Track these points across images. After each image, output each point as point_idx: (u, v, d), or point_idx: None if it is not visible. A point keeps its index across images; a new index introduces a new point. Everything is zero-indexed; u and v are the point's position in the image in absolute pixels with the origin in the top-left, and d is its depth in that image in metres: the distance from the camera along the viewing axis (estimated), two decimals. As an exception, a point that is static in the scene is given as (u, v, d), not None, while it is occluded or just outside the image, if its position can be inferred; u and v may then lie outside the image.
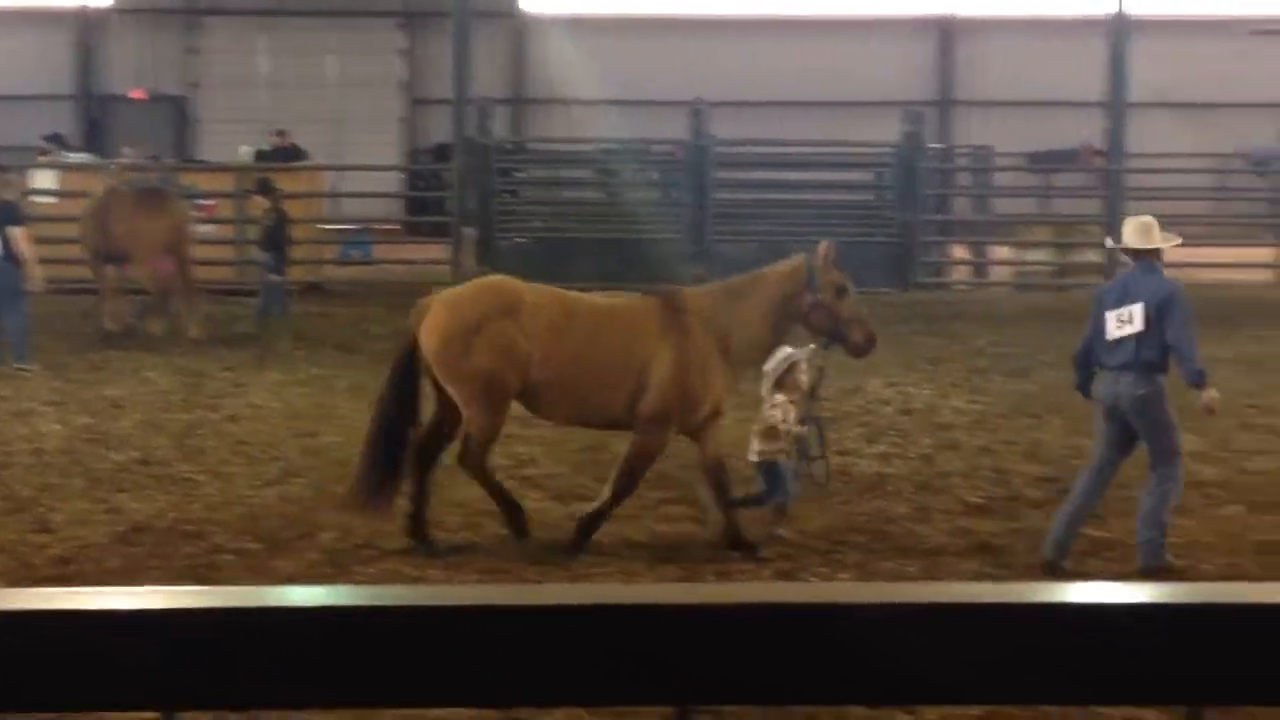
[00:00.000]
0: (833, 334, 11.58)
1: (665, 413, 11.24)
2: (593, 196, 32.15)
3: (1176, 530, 11.98)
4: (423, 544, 11.34)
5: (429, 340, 11.22)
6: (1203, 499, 13.00)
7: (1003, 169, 37.43)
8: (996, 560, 11.23)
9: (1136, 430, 10.85)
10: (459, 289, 11.67)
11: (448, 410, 11.45)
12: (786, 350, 11.73)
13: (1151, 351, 10.77)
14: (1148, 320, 10.72)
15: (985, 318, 25.34)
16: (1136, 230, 11.12)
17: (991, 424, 16.40)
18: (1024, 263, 31.39)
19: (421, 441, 11.46)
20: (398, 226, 35.03)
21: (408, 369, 11.34)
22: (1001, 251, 31.71)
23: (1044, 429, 16.05)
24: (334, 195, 32.99)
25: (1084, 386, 11.23)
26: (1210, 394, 10.96)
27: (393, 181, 37.63)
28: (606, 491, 11.44)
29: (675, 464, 14.34)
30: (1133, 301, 10.82)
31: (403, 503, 11.51)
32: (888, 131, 30.81)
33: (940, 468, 14.29)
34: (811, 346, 11.87)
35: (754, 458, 11.72)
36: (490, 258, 28.32)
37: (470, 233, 28.83)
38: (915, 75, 43.22)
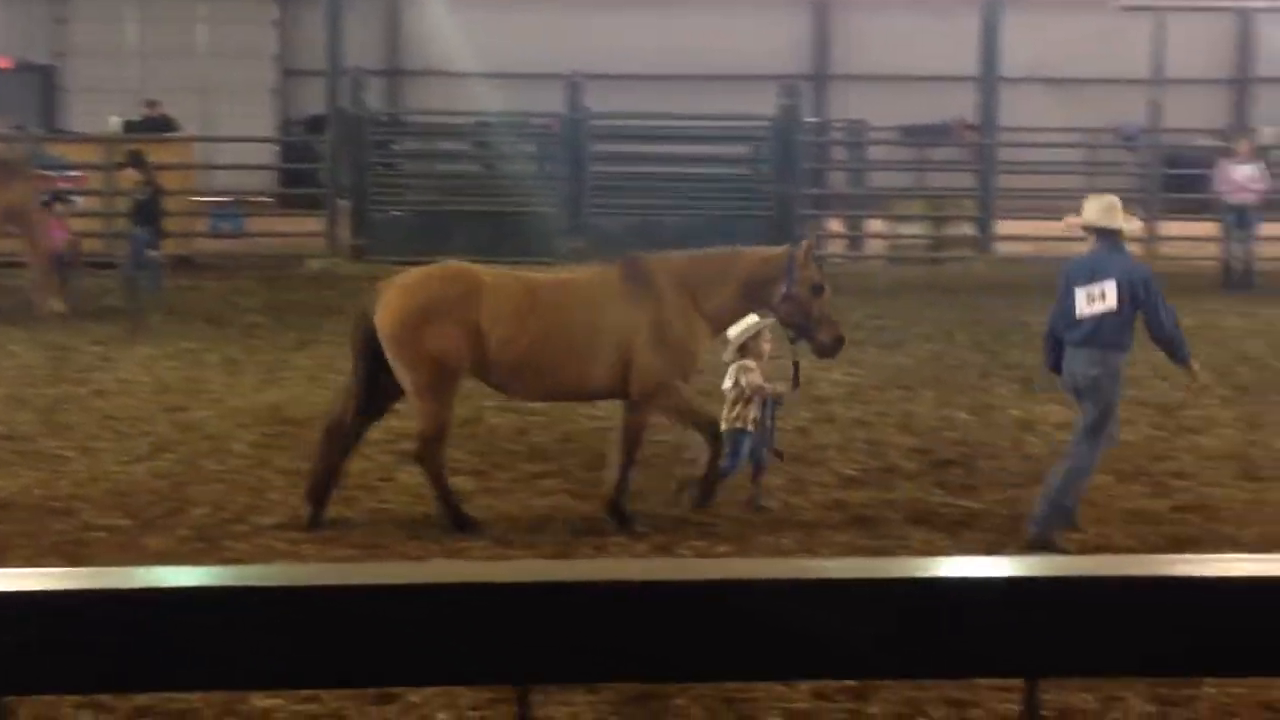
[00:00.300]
0: (800, 329, 11.56)
1: (657, 378, 11.23)
2: (469, 169, 31.95)
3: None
4: (316, 513, 11.30)
5: (384, 325, 11.07)
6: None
7: (877, 143, 37.64)
8: (871, 532, 11.31)
9: (1087, 401, 10.90)
10: (415, 273, 11.46)
11: (366, 395, 11.31)
12: (753, 318, 11.79)
13: (1114, 331, 10.83)
14: (1120, 298, 10.77)
15: (860, 290, 25.47)
16: (1101, 209, 11.18)
17: (866, 396, 16.50)
18: (898, 236, 31.63)
19: (335, 426, 11.36)
20: (270, 199, 34.63)
21: (371, 355, 11.18)
22: (876, 225, 31.91)
23: (917, 401, 16.19)
24: (205, 167, 32.56)
25: (1056, 364, 11.27)
26: (1195, 369, 11.11)
27: (265, 153, 37.19)
28: (612, 466, 11.42)
29: (550, 437, 14.30)
30: (1104, 279, 10.85)
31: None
32: (764, 105, 30.87)
33: (816, 440, 14.36)
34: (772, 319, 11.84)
35: (724, 425, 11.79)
36: (365, 231, 28.08)
37: (345, 205, 28.56)
38: (791, 50, 43.39)
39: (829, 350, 11.67)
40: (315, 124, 35.44)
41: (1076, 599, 1.27)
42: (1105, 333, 10.81)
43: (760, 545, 10.96)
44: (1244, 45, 44.74)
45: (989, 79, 31.28)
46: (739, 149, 32.35)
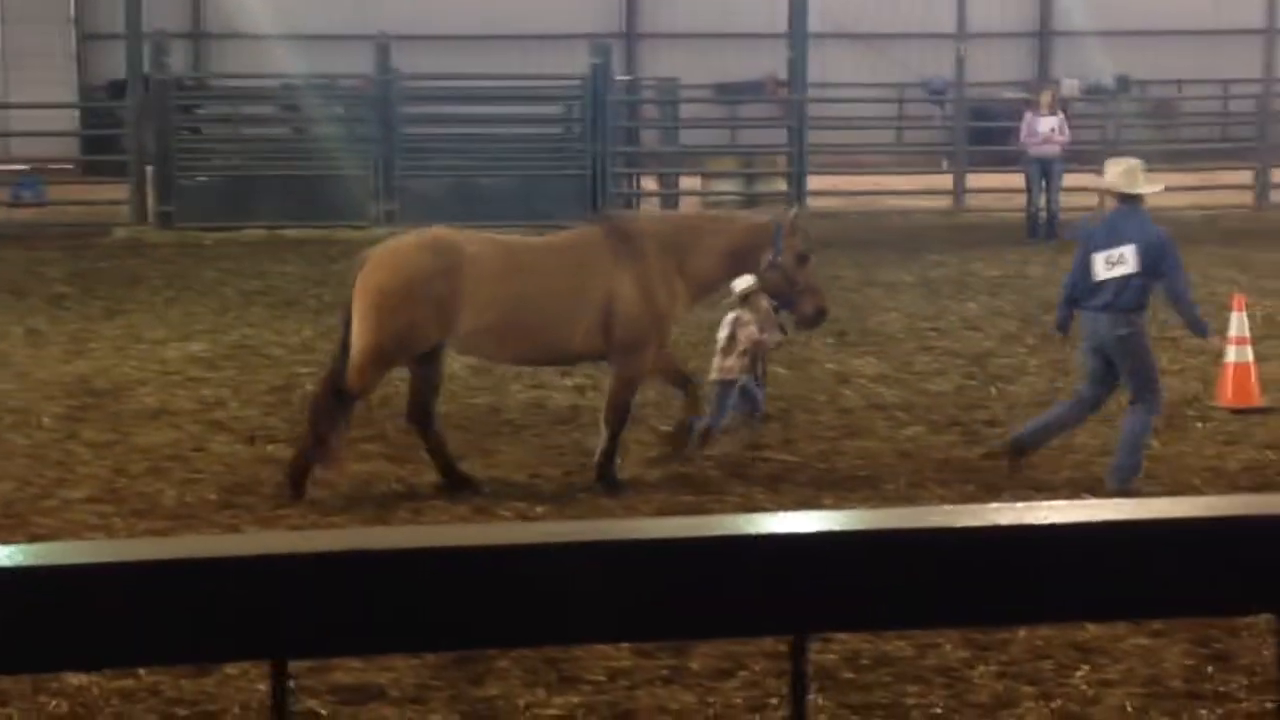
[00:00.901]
0: (784, 299, 11.61)
1: (642, 339, 11.22)
2: (277, 133, 31.48)
3: (860, 451, 12.25)
4: (463, 486, 11.16)
5: (366, 290, 10.95)
6: (885, 420, 13.31)
7: (689, 101, 37.75)
8: (693, 487, 11.32)
9: (1115, 369, 11.02)
10: (397, 242, 11.42)
11: (424, 365, 11.22)
12: (750, 278, 11.70)
13: (1134, 294, 10.91)
14: (1140, 261, 10.84)
15: (675, 248, 25.56)
16: (1123, 173, 11.24)
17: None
18: (712, 193, 31.75)
19: (412, 410, 11.34)
20: (72, 166, 33.81)
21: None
22: (690, 182, 32.01)
23: (734, 357, 16.24)
24: (3, 135, 31.69)
25: (1065, 325, 11.42)
26: (1216, 340, 11.49)
27: (65, 120, 36.28)
28: (604, 431, 11.30)
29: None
30: (1124, 243, 10.88)
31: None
32: (575, 64, 30.79)
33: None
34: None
35: (714, 375, 11.95)
36: (172, 197, 27.51)
37: (150, 172, 27.97)
38: (601, 8, 43.30)
39: (812, 321, 11.81)
40: (117, 89, 34.65)
41: (881, 551, 1.25)
42: (1128, 295, 10.90)
43: (578, 503, 10.92)
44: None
45: (799, 35, 31.46)
46: (551, 109, 32.24)
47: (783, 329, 12.26)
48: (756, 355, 12.28)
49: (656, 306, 11.22)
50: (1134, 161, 11.36)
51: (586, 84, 29.63)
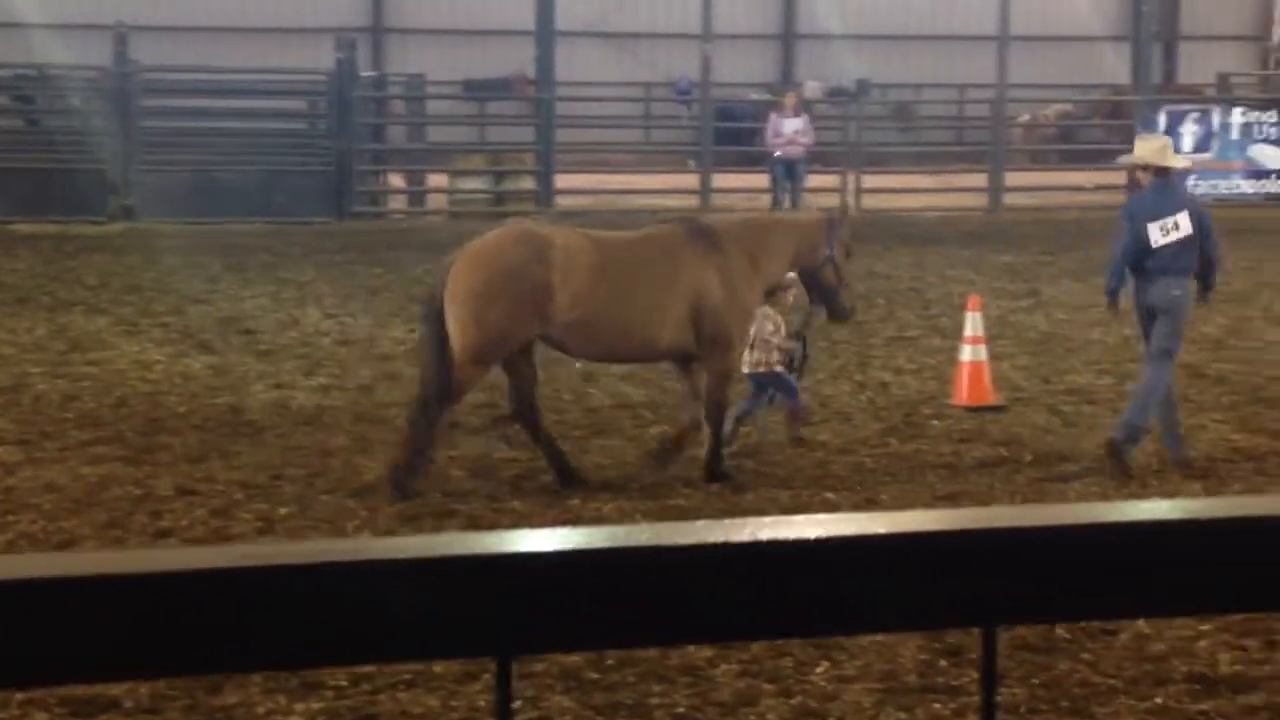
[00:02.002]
0: (827, 292, 11.88)
1: (730, 334, 11.42)
2: (9, 125, 30.54)
3: (606, 450, 12.28)
4: (572, 480, 11.16)
5: (458, 290, 10.91)
6: (631, 419, 13.36)
7: (436, 97, 37.55)
8: (435, 488, 11.22)
9: (1164, 326, 11.75)
10: (486, 238, 11.35)
11: (520, 362, 11.22)
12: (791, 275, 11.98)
13: (1188, 258, 11.82)
14: (1193, 226, 11.75)
15: (422, 246, 25.35)
16: (1157, 150, 12.29)
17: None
18: (460, 191, 31.61)
19: (519, 409, 11.37)
20: None
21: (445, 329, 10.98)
22: (438, 180, 31.83)
23: (481, 356, 16.16)
24: None
25: (1116, 292, 12.14)
26: (1211, 296, 12.42)
27: None
28: (706, 428, 11.37)
29: (103, 402, 13.77)
30: (1176, 211, 11.80)
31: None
32: (320, 59, 30.43)
33: (379, 398, 14.20)
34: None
35: (746, 369, 12.05)
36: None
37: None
38: (348, 2, 42.84)
39: (847, 315, 12.28)
40: None
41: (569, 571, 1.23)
42: (1184, 258, 11.81)
43: (320, 506, 10.75)
44: (789, 2, 46.25)
45: (546, 33, 31.50)
46: (295, 103, 31.82)
47: (802, 339, 12.44)
48: (791, 350, 12.44)
49: (742, 303, 11.48)
50: (1164, 139, 12.72)
51: (331, 79, 29.30)
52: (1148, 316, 11.93)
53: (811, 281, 11.93)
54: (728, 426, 11.84)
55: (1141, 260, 11.86)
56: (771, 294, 12.09)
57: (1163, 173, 12.13)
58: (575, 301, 10.99)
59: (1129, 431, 11.71)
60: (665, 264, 11.33)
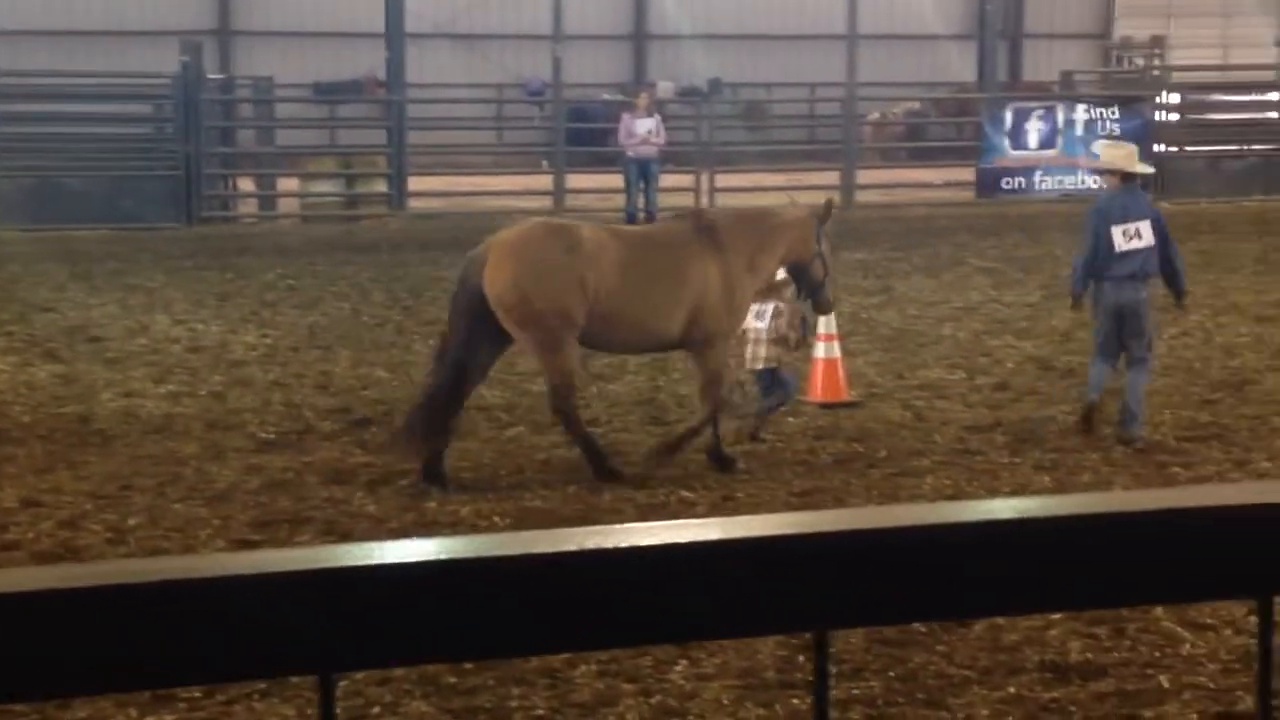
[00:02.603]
0: (815, 285, 12.22)
1: (725, 328, 11.73)
2: None
3: (463, 452, 12.21)
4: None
5: (496, 286, 11.06)
6: (488, 421, 13.30)
7: (286, 100, 37.17)
8: (289, 494, 11.11)
9: (1130, 327, 12.36)
10: (515, 232, 11.55)
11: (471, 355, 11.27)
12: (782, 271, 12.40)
13: (1152, 263, 12.40)
14: (1155, 234, 12.34)
15: (273, 250, 25.12)
16: (1124, 156, 12.95)
17: (283, 358, 16.25)
18: (311, 194, 31.31)
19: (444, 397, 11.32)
20: None
21: (480, 319, 11.10)
22: (289, 184, 31.53)
23: (334, 360, 16.04)
24: None
25: (1081, 295, 12.68)
26: (1186, 303, 13.19)
27: None
28: (703, 415, 11.64)
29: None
30: (1138, 219, 12.38)
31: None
32: (166, 62, 30.00)
33: (231, 405, 14.02)
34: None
35: (759, 365, 12.54)
36: None
37: None
38: (193, 5, 42.28)
39: (830, 307, 12.79)
40: None
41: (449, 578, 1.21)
42: (1148, 264, 12.38)
43: (171, 514, 10.59)
44: (640, 2, 46.34)
45: (396, 35, 31.31)
46: (141, 107, 31.35)
47: (808, 328, 13.03)
48: (787, 344, 12.81)
49: (741, 297, 11.78)
50: (1131, 146, 13.29)
51: (177, 82, 28.90)
52: (1113, 318, 12.40)
53: (800, 275, 12.31)
54: (753, 423, 12.54)
55: (1107, 263, 12.34)
56: (774, 289, 12.57)
57: (1128, 179, 12.71)
58: (604, 294, 11.29)
59: (1136, 424, 12.41)
60: (677, 258, 11.61)
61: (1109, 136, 30.97)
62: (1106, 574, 1.47)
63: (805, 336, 13.04)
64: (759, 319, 12.65)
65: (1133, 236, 12.34)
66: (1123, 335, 12.47)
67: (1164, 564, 1.45)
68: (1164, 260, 12.52)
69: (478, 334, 11.18)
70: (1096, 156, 31.23)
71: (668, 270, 11.53)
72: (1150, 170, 13.33)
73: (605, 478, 11.25)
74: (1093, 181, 31.52)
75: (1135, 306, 12.37)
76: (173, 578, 1.30)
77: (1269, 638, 1.49)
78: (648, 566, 1.42)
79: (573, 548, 1.41)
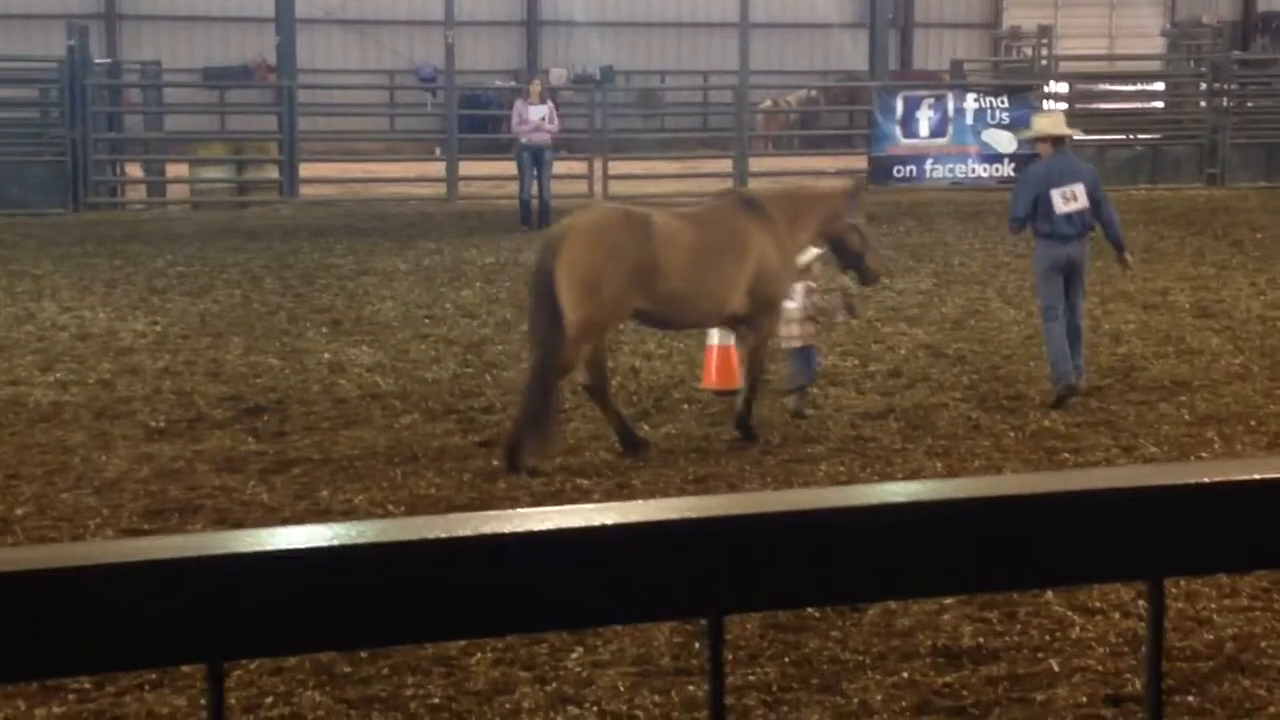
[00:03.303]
0: (854, 258, 12.72)
1: (776, 300, 12.22)
2: None
3: (355, 441, 12.14)
4: (636, 448, 11.67)
5: (572, 269, 11.39)
6: (381, 409, 13.24)
7: (175, 85, 36.77)
8: (179, 483, 11.00)
9: (1074, 280, 13.29)
10: (591, 218, 12.06)
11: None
12: (815, 249, 12.83)
13: (1089, 220, 13.34)
14: (1090, 194, 13.25)
15: (163, 237, 24.84)
16: (1054, 122, 14.08)
17: (173, 345, 16.08)
18: (201, 181, 30.99)
19: (594, 378, 11.84)
20: None
21: (555, 299, 11.42)
22: (178, 170, 31.18)
23: (225, 348, 15.89)
24: None
25: (1019, 231, 13.92)
26: (1129, 255, 14.10)
27: None
28: (748, 384, 12.09)
29: None
30: (1073, 182, 13.30)
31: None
32: (51, 46, 29.59)
33: (120, 393, 13.86)
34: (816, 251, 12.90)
35: (795, 343, 12.90)
36: None
37: None
38: (80, -13, 41.73)
39: (875, 278, 13.26)
40: None
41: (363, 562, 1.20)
42: (1086, 223, 13.34)
43: (60, 504, 10.45)
44: (533, -10, 46.24)
45: (286, 20, 31.04)
46: (27, 92, 30.91)
47: (851, 310, 13.50)
48: (821, 323, 13.31)
49: (788, 269, 12.29)
50: (1059, 112, 14.60)
51: (63, 67, 28.51)
52: (1060, 274, 13.34)
53: (838, 248, 12.78)
54: (791, 401, 12.94)
55: (1049, 224, 13.28)
56: (805, 268, 12.93)
57: (1059, 143, 13.63)
58: (674, 275, 11.64)
59: (1061, 374, 13.24)
60: (733, 235, 12.04)
61: (998, 125, 31.29)
62: (1001, 557, 1.48)
63: (854, 310, 13.65)
64: (792, 298, 12.94)
65: (1070, 199, 13.21)
66: (1068, 291, 13.29)
67: (1057, 547, 1.47)
68: (1104, 221, 13.43)
69: (557, 314, 11.48)
70: (987, 144, 31.69)
71: (727, 247, 11.98)
72: (1077, 133, 14.31)
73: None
74: (982, 170, 31.88)
75: (1079, 261, 13.30)
76: (57, 565, 1.28)
77: (1160, 619, 1.51)
78: (543, 552, 1.41)
79: (468, 533, 1.40)
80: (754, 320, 12.17)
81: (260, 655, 1.40)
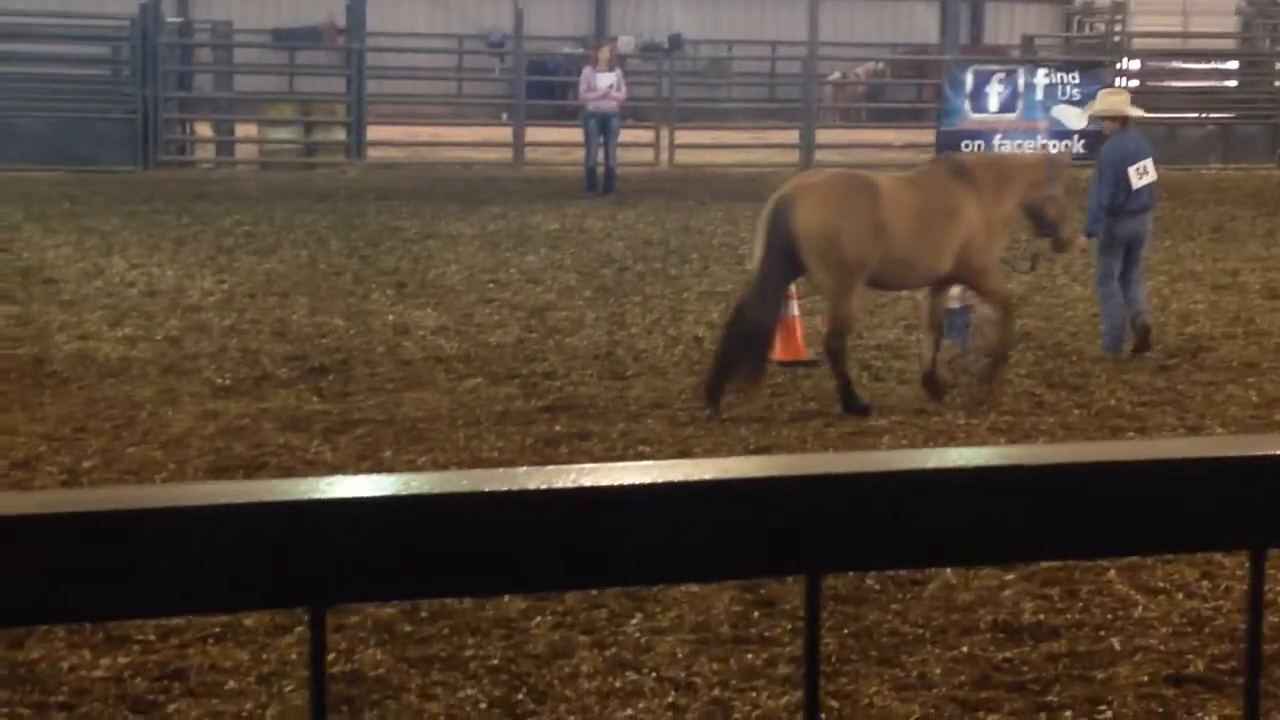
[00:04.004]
0: (1051, 226, 13.17)
1: (986, 263, 12.61)
2: None
3: (419, 403, 12.19)
4: (863, 412, 12.05)
5: (810, 229, 11.82)
6: (445, 372, 13.28)
7: (245, 45, 36.92)
8: (245, 440, 11.08)
9: (1135, 252, 13.98)
10: (823, 180, 12.56)
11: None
12: None
13: (1155, 195, 14.19)
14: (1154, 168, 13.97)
15: (230, 196, 24.98)
16: (1123, 101, 14.69)
17: (240, 304, 16.17)
18: (269, 141, 31.13)
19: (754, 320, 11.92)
20: None
21: (789, 256, 11.88)
22: (247, 130, 31.32)
23: (291, 308, 15.97)
24: None
25: (1096, 233, 14.03)
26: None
27: None
28: (1003, 337, 12.78)
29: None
30: (1144, 158, 14.04)
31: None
32: (124, 4, 29.74)
33: (187, 350, 13.96)
34: None
35: (954, 304, 13.17)
36: None
37: None
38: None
39: (1067, 245, 13.57)
40: None
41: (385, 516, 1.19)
42: (1154, 197, 14.17)
43: (127, 459, 10.55)
44: (603, -43, 46.12)
45: (357, -17, 31.09)
46: (99, 49, 31.10)
47: (1033, 263, 14.02)
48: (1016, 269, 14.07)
49: (994, 235, 12.67)
50: (1125, 91, 15.53)
51: (135, 25, 28.66)
52: (1126, 247, 13.92)
53: (1036, 216, 13.16)
54: (952, 355, 13.23)
55: (1124, 200, 13.86)
56: None
57: (1125, 122, 14.22)
58: (899, 238, 12.08)
59: (1113, 342, 13.97)
60: (947, 200, 12.44)
61: (1069, 101, 31.05)
62: (1101, 523, 1.47)
63: (1034, 266, 14.16)
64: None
65: (1143, 173, 13.90)
66: (1126, 262, 13.94)
67: (1156, 514, 1.45)
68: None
69: (781, 271, 12.01)
70: (1056, 120, 31.44)
71: (944, 211, 12.36)
72: (1142, 113, 14.89)
73: (854, 413, 12.00)
74: (1052, 146, 31.66)
75: (1143, 236, 14.06)
76: (162, 505, 1.29)
77: (1260, 591, 1.50)
78: (642, 505, 1.41)
79: (566, 484, 1.40)
80: (979, 288, 12.75)
81: (361, 600, 1.40)
